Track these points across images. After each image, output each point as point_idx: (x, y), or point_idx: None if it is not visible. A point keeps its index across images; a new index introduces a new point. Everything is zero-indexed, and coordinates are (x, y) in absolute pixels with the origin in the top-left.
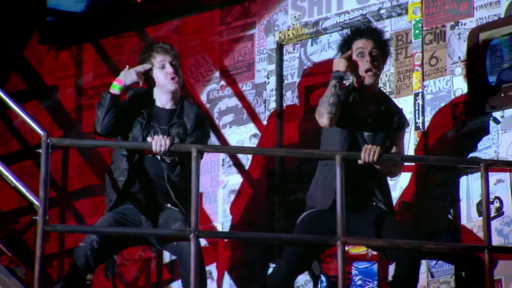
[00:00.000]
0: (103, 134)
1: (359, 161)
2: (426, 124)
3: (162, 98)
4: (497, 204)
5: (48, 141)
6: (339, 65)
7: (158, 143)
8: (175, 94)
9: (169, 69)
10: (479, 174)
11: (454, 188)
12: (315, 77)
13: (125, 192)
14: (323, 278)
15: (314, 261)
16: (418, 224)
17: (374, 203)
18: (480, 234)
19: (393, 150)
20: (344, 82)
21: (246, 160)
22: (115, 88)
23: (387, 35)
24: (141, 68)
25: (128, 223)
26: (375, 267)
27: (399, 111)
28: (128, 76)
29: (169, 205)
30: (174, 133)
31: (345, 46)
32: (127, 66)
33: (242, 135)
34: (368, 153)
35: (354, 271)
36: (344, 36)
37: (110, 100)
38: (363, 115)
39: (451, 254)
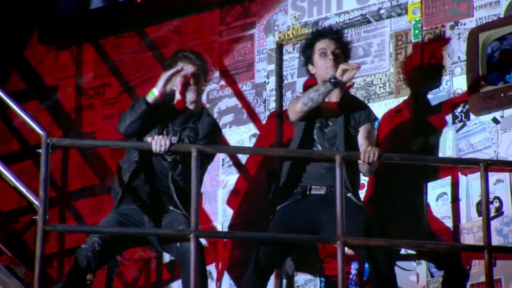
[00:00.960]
0: (125, 135)
1: (359, 161)
2: (426, 124)
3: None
4: (496, 204)
5: (48, 141)
6: (339, 71)
7: (158, 143)
8: (194, 101)
9: (187, 79)
10: (478, 174)
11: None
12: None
13: (130, 185)
14: (322, 278)
15: (286, 260)
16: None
17: (347, 195)
18: (480, 234)
19: (363, 142)
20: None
21: (245, 159)
22: (152, 95)
23: (347, 37)
24: (173, 71)
25: (130, 224)
26: None
27: (364, 106)
28: (161, 83)
29: (171, 208)
30: (185, 135)
31: (308, 48)
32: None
33: (242, 135)
34: (368, 155)
35: (352, 271)
36: (306, 39)
37: (143, 111)
38: (325, 113)
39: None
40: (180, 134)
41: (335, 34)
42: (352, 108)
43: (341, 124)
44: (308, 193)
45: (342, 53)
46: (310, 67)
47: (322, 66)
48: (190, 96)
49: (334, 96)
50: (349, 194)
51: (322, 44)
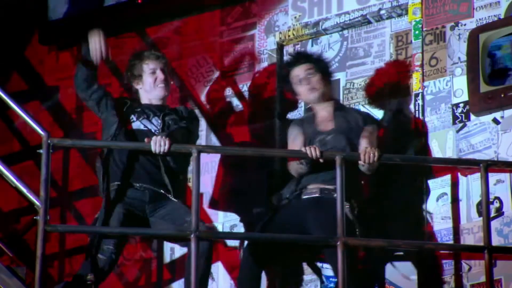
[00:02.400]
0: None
1: (360, 162)
2: (426, 125)
3: (151, 100)
4: (497, 205)
5: (49, 141)
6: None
7: (158, 143)
8: (163, 97)
9: (160, 75)
10: (479, 174)
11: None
12: None
13: (108, 163)
14: (323, 278)
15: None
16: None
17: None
18: (480, 234)
19: (362, 142)
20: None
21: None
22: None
23: (322, 56)
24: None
25: (135, 211)
26: None
27: (360, 113)
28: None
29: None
30: (169, 118)
31: (288, 77)
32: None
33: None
34: (368, 155)
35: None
36: (283, 70)
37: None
38: (324, 127)
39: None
40: (163, 118)
41: (305, 58)
42: (348, 120)
43: (341, 142)
44: (301, 193)
45: (316, 67)
46: (294, 95)
47: (303, 92)
48: (160, 92)
49: (326, 111)
50: (335, 195)
51: (296, 72)
